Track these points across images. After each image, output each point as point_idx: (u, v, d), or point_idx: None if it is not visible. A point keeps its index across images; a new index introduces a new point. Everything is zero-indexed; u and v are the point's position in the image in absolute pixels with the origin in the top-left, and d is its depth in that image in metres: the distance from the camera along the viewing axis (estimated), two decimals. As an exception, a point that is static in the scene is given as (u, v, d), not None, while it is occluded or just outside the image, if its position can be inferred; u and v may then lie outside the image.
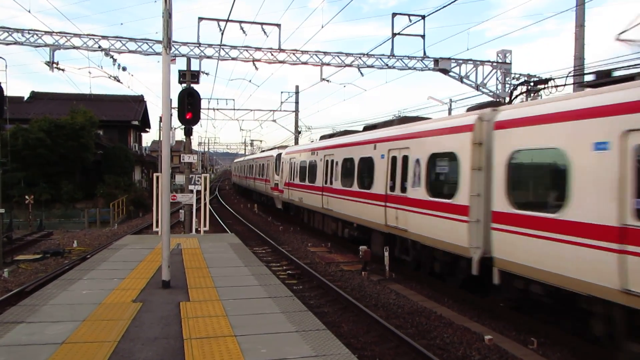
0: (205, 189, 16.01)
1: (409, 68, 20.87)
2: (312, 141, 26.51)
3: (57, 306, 6.85)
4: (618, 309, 6.59)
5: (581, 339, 7.94)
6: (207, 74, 20.15)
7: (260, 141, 65.09)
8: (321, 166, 18.81)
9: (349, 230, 16.28)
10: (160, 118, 31.09)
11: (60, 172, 31.06)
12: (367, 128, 16.40)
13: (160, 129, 36.33)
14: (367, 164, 14.54)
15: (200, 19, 19.62)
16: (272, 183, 29.25)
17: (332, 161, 17.61)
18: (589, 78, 12.57)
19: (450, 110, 28.12)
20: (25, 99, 40.44)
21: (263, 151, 42.41)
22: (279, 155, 28.03)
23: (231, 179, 74.76)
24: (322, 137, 21.38)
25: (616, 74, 7.88)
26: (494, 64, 21.21)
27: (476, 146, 9.43)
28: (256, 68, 20.97)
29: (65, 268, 13.01)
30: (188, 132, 16.83)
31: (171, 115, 11.65)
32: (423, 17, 19.40)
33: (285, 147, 31.42)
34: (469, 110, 11.08)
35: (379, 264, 13.51)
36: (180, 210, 19.31)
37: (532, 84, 11.25)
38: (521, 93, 11.49)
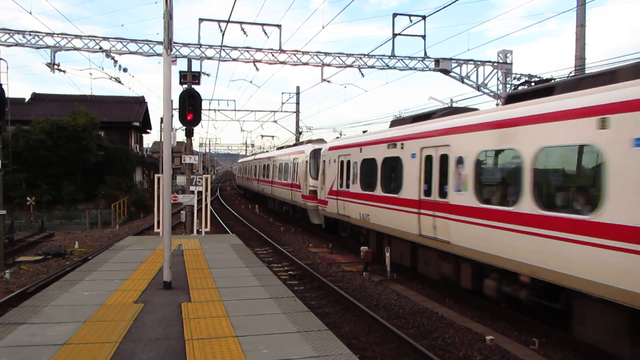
0: (206, 190, 16.04)
1: (410, 68, 20.91)
2: (366, 132, 17.20)
3: (58, 307, 6.87)
4: None
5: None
6: (208, 75, 20.17)
7: (272, 137, 57.84)
8: (414, 166, 11.72)
9: (501, 284, 9.04)
10: (161, 119, 31.09)
11: (62, 174, 31.11)
12: (529, 95, 8.82)
13: (161, 130, 36.38)
14: (572, 159, 7.74)
15: (201, 20, 19.69)
16: (305, 190, 21.56)
17: (445, 157, 10.47)
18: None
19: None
20: (27, 100, 40.52)
21: (281, 148, 34.29)
22: (316, 151, 20.78)
23: (235, 180, 73.12)
24: (394, 123, 14.41)
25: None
26: (495, 64, 21.24)
27: None
28: (257, 69, 21.08)
29: (67, 269, 13.03)
30: (189, 133, 16.86)
31: (172, 116, 11.67)
32: (424, 17, 19.46)
33: (321, 140, 23.74)
34: None
35: (380, 265, 13.50)
36: (182, 212, 19.31)
37: (533, 84, 11.26)
38: (522, 93, 11.48)
